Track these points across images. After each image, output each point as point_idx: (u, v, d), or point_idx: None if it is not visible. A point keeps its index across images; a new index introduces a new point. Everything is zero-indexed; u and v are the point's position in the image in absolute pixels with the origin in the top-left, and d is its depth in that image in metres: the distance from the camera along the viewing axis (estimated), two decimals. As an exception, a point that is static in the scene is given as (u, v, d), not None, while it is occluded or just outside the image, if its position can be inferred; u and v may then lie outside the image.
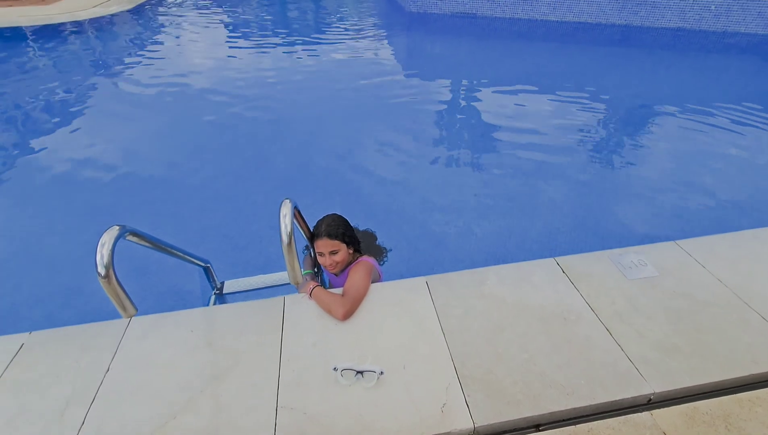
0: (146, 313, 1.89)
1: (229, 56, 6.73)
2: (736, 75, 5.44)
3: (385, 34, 7.09)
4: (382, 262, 2.11)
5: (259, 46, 7.04)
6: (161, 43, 7.62)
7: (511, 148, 4.09)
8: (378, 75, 5.63)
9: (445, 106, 4.96)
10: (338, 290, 1.94)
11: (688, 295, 1.94)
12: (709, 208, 3.03)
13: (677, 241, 2.28)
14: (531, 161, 3.86)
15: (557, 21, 6.78)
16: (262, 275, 2.34)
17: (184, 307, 1.96)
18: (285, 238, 1.46)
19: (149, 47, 7.41)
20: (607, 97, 4.98)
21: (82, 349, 1.76)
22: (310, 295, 1.90)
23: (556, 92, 5.05)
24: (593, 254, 2.20)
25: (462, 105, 5.05)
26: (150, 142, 4.60)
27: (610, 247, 2.35)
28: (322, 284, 2.17)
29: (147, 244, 1.58)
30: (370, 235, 2.18)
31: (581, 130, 4.26)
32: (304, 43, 6.91)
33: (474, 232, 3.08)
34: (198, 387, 1.60)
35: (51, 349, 1.77)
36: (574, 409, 1.49)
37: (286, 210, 1.49)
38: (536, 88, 5.16)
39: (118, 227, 1.38)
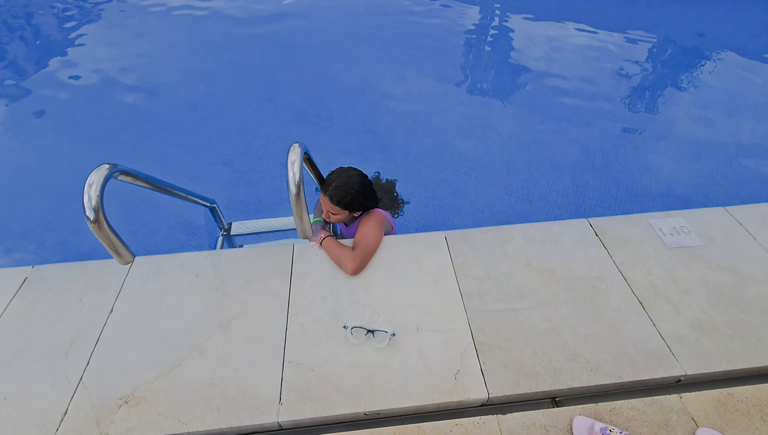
0: (150, 253, 1.81)
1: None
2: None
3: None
4: (396, 215, 1.95)
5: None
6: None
7: (542, 89, 3.71)
8: (399, 1, 5.07)
9: (474, 36, 4.48)
10: (349, 242, 1.81)
11: (735, 269, 1.77)
12: (765, 172, 2.73)
13: (727, 208, 2.05)
14: (563, 105, 3.51)
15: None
16: (271, 218, 2.22)
17: (191, 248, 1.87)
18: (293, 188, 1.29)
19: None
20: (658, 34, 4.41)
21: (85, 287, 1.71)
22: (321, 244, 1.78)
23: (597, 26, 4.49)
24: (631, 217, 2.00)
25: (493, 36, 4.55)
26: (156, 66, 4.31)
27: (645, 208, 2.15)
28: (334, 233, 2.05)
29: (142, 184, 1.44)
30: (390, 185, 2.00)
31: (622, 73, 3.82)
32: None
33: (496, 182, 2.87)
34: (203, 334, 1.55)
35: (54, 285, 1.72)
36: (597, 386, 1.40)
37: (294, 156, 1.31)
38: (575, 20, 4.59)
39: (107, 166, 1.23)
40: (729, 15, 4.75)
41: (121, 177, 1.31)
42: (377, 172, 2.03)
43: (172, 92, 3.96)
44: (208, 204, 2.04)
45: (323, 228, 1.88)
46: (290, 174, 1.30)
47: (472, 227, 1.93)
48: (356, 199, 1.72)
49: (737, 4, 4.94)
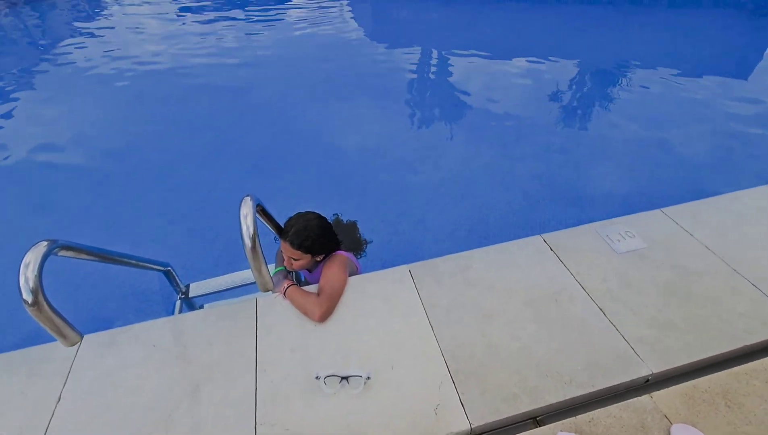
0: (101, 329, 1.69)
1: (181, 32, 6.19)
2: (711, 31, 5.40)
3: (346, 1, 6.68)
4: (360, 256, 1.96)
5: (214, 20, 6.51)
6: (107, 17, 6.94)
7: (487, 116, 3.94)
8: (344, 45, 5.31)
9: (416, 75, 4.73)
10: (314, 288, 1.78)
11: (679, 266, 1.89)
12: (689, 171, 3.00)
13: (663, 209, 2.22)
14: (508, 129, 3.73)
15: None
16: (231, 274, 2.15)
17: (147, 317, 1.77)
18: (248, 242, 1.28)
19: (93, 21, 6.75)
20: (582, 58, 4.86)
21: (28, 377, 1.56)
22: (284, 294, 1.74)
23: (530, 56, 4.89)
24: (580, 228, 2.12)
25: (434, 72, 4.83)
26: (98, 128, 4.21)
27: (593, 217, 2.27)
28: (297, 281, 2.01)
29: (87, 257, 1.37)
30: (352, 227, 2.01)
31: (556, 95, 4.14)
32: (263, 17, 6.43)
33: (453, 208, 2.96)
34: (166, 408, 1.44)
35: (-9, 380, 1.56)
36: (573, 399, 1.42)
37: (246, 209, 1.30)
38: (510, 52, 4.98)
39: (45, 243, 1.16)
40: (641, 38, 5.31)
41: (62, 252, 1.24)
42: (336, 214, 2.04)
43: (118, 154, 3.86)
44: (162, 268, 1.95)
45: (286, 277, 1.85)
46: (244, 227, 1.28)
47: (436, 256, 1.96)
48: (317, 241, 1.72)
49: (645, 28, 5.56)
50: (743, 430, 1.30)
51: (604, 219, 2.20)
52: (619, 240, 2.04)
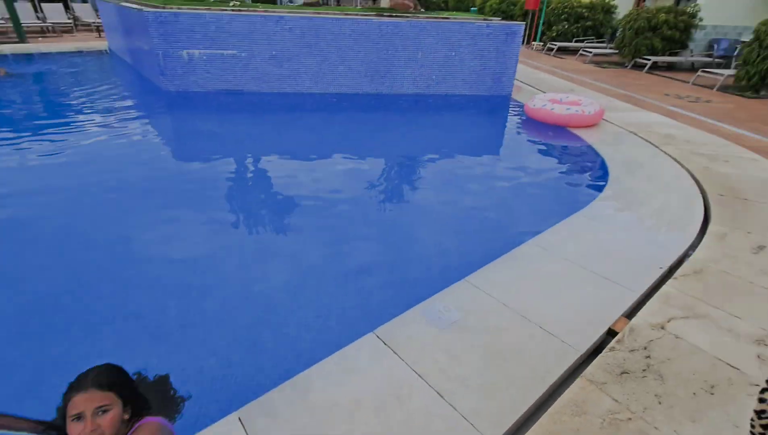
0: None
1: None
2: (462, 124, 7.02)
3: (144, 116, 6.34)
4: (174, 420, 1.61)
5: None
6: None
7: (306, 216, 4.07)
8: (146, 162, 4.90)
9: (231, 184, 4.64)
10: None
11: (489, 328, 2.16)
12: (483, 235, 3.63)
13: (467, 278, 2.57)
14: (329, 228, 3.89)
15: (321, 93, 7.41)
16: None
17: None
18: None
19: None
20: (377, 155, 5.61)
21: None
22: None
23: (333, 156, 5.40)
24: (406, 315, 2.25)
25: (248, 180, 4.83)
26: None
27: (420, 294, 2.46)
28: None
29: None
30: (161, 382, 1.66)
31: (361, 191, 4.60)
32: (50, 135, 5.51)
33: (288, 322, 2.82)
34: None
35: None
36: (434, 507, 1.37)
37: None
38: (315, 154, 5.41)
39: None
40: (420, 134, 6.52)
41: None
42: (138, 373, 1.67)
43: None
44: None
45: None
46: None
47: (273, 385, 1.77)
48: (128, 381, 1.36)
49: (421, 126, 6.86)
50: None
51: (426, 294, 2.42)
52: (440, 317, 2.23)
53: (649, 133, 5.57)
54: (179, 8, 6.58)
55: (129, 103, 6.94)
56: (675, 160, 4.66)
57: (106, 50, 11.11)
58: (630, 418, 1.70)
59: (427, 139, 6.23)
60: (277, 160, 5.24)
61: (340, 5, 25.46)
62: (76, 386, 1.31)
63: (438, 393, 1.76)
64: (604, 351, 2.05)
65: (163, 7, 6.57)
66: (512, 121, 7.07)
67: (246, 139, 5.82)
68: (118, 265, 3.29)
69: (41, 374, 2.30)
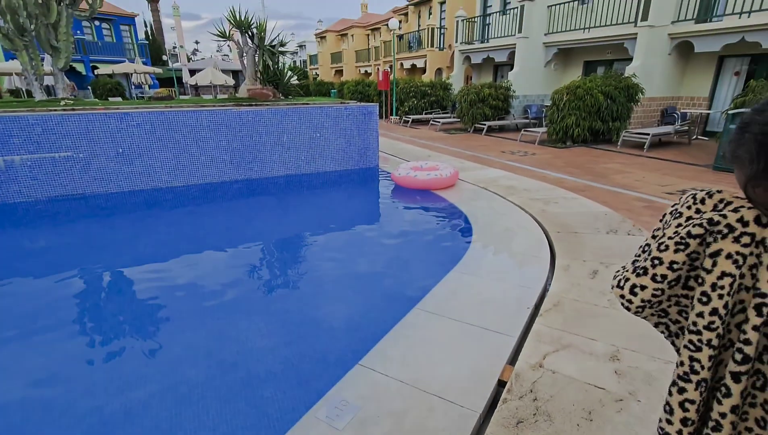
0: None
1: None
2: (336, 198, 7.24)
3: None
4: None
5: None
6: None
7: (176, 326, 3.57)
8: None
9: (78, 301, 3.88)
10: None
11: (389, 412, 2.06)
12: (369, 313, 3.60)
13: (360, 363, 2.47)
14: (206, 335, 3.46)
15: (183, 185, 7.00)
16: None
17: None
18: None
19: None
20: (253, 241, 5.37)
21: None
22: None
23: (222, 247, 5.00)
24: (302, 422, 2.03)
25: (101, 292, 4.12)
26: None
27: (315, 394, 2.26)
28: None
29: None
30: None
31: (241, 283, 4.29)
32: None
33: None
34: None
35: None
36: None
37: None
38: (187, 251, 4.93)
39: None
40: (298, 211, 6.49)
41: None
42: None
43: None
44: None
45: None
46: None
47: None
48: None
49: (298, 205, 6.86)
50: None
51: (323, 388, 2.23)
52: (337, 415, 2.06)
53: (496, 187, 6.47)
54: (-8, 112, 5.72)
55: None
56: (519, 207, 5.45)
57: None
58: (534, 472, 1.73)
59: (304, 217, 6.23)
60: (138, 264, 4.62)
61: (198, 96, 25.30)
62: None
63: (346, 511, 1.57)
64: (498, 404, 2.11)
65: (-30, 112, 5.64)
66: (383, 190, 7.56)
67: (94, 248, 5.04)
68: None
69: None
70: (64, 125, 5.87)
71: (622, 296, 0.87)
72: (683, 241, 0.78)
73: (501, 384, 2.31)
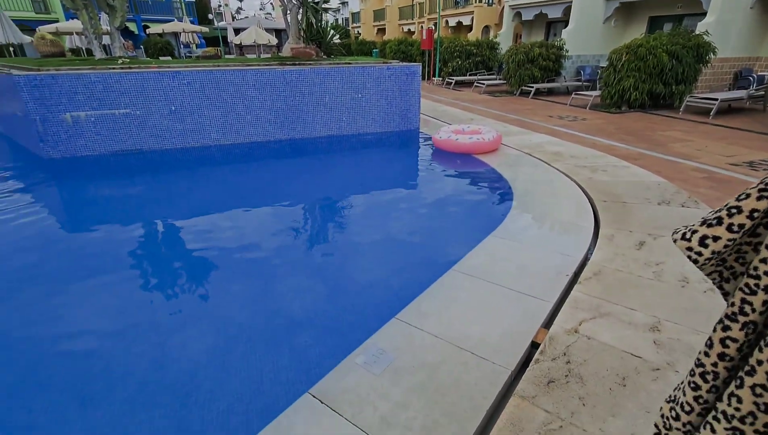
0: None
1: None
2: (377, 160, 7.27)
3: (24, 189, 5.64)
4: None
5: None
6: None
7: (226, 275, 3.84)
8: (34, 243, 4.31)
9: (139, 251, 4.25)
10: None
11: (423, 364, 2.17)
12: (407, 272, 3.70)
13: (396, 317, 2.58)
14: (253, 285, 3.70)
15: (231, 144, 7.25)
16: None
17: None
18: None
19: None
20: (296, 201, 5.56)
21: None
22: None
23: (249, 207, 5.24)
24: (341, 366, 2.19)
25: (159, 244, 4.47)
26: None
27: (352, 343, 2.41)
28: None
29: None
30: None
31: (283, 239, 4.50)
32: None
33: (217, 394, 2.58)
34: None
35: None
36: None
37: None
38: (230, 207, 5.20)
39: None
40: (334, 172, 6.60)
41: None
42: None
43: None
44: None
45: None
46: None
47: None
48: None
49: (337, 165, 6.97)
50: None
51: (360, 338, 2.38)
52: (374, 362, 2.20)
53: (541, 153, 6.24)
54: (57, 70, 6.10)
55: (2, 175, 6.14)
56: (564, 174, 5.25)
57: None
58: (561, 426, 1.80)
59: (345, 178, 6.33)
60: (191, 217, 4.94)
61: (243, 55, 25.50)
62: None
63: (381, 444, 1.72)
64: (530, 364, 2.17)
65: (38, 70, 6.04)
66: (423, 153, 7.49)
67: (152, 200, 5.42)
68: (24, 364, 2.80)
69: None
70: (123, 83, 6.19)
71: (690, 248, 0.83)
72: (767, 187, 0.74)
73: (534, 345, 2.35)
